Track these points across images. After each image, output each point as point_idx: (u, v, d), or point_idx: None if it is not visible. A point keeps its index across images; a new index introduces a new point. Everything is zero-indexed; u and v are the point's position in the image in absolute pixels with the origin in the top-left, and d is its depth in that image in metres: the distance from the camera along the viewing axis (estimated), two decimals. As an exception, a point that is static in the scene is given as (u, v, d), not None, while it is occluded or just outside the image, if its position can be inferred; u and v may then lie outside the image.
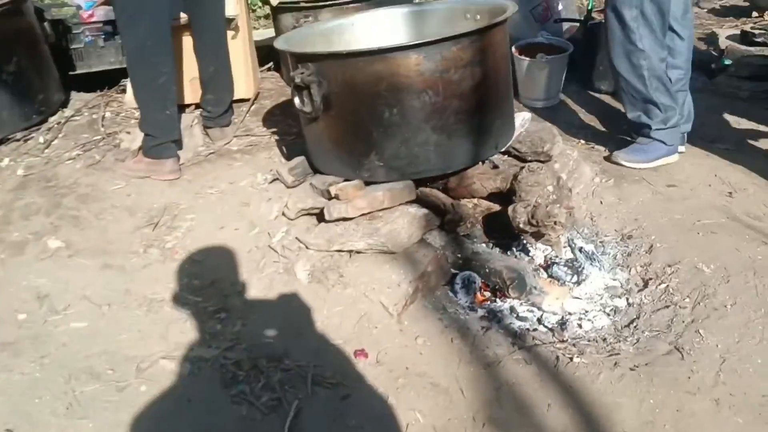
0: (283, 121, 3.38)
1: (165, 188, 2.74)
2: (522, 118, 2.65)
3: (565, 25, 4.02)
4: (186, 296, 2.17)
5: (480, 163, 2.45)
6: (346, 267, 2.13)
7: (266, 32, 4.89)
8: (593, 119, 3.50)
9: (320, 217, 2.29)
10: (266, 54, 4.08)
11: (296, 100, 2.29)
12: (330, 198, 2.27)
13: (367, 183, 2.32)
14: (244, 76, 3.46)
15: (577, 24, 3.94)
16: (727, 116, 3.45)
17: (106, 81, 3.64)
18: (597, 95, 3.74)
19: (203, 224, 2.51)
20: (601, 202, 2.66)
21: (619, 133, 3.30)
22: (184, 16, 3.04)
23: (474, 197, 2.46)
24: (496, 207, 2.43)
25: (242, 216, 2.52)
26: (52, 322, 2.06)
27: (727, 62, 4.01)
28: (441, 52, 2.11)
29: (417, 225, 2.23)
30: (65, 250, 2.36)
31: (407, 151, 2.23)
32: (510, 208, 2.21)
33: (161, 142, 2.75)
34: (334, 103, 2.22)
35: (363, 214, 2.20)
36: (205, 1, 2.93)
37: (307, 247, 2.20)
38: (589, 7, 3.87)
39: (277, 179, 2.59)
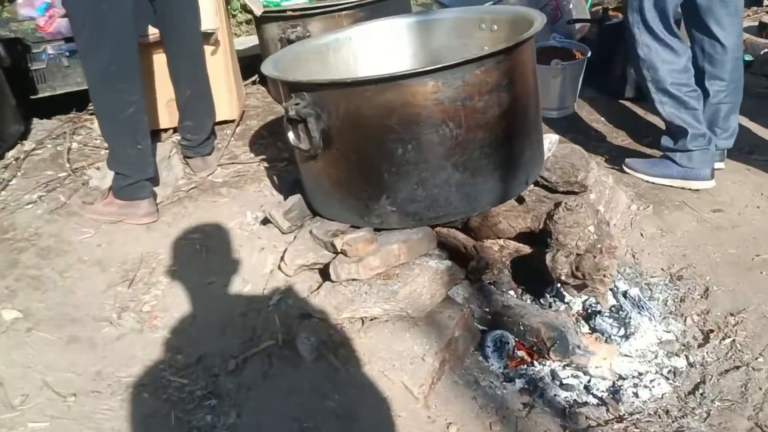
0: (272, 145, 3.02)
1: (141, 234, 2.39)
2: (549, 141, 2.30)
3: (576, 25, 3.68)
4: (168, 377, 1.82)
5: (505, 198, 2.11)
6: (359, 338, 1.78)
7: (249, 39, 4.50)
8: (614, 130, 3.18)
9: (324, 273, 1.95)
10: (249, 65, 3.70)
11: (290, 136, 1.93)
12: (335, 252, 1.91)
13: (377, 229, 1.98)
14: (227, 95, 3.10)
15: (588, 23, 3.61)
16: (760, 121, 3.14)
17: (73, 103, 3.26)
18: (616, 102, 3.41)
19: (186, 279, 2.16)
20: (642, 235, 2.34)
21: (644, 144, 2.99)
22: (154, 31, 2.67)
23: (499, 238, 2.12)
24: (527, 249, 2.08)
25: (231, 268, 2.17)
26: (5, 421, 1.69)
27: (748, 58, 3.72)
28: (463, 76, 1.76)
29: (440, 282, 1.89)
30: (23, 322, 1.99)
31: (425, 193, 1.88)
32: (548, 257, 1.87)
33: (134, 182, 2.39)
34: (336, 138, 1.87)
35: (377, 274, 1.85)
36: (178, 14, 2.54)
37: (310, 315, 1.85)
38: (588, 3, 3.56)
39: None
